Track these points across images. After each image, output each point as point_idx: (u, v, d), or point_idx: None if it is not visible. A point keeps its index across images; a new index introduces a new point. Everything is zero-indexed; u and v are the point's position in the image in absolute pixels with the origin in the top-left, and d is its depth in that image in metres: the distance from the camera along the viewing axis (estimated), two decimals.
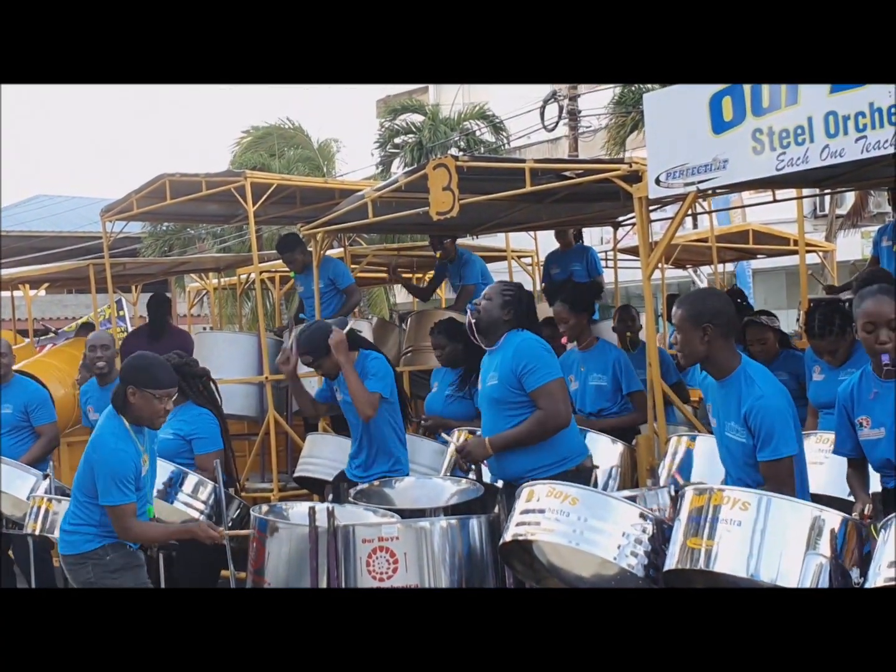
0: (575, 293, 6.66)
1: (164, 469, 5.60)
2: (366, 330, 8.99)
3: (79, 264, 10.82)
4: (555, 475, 4.70)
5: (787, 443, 3.93)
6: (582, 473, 4.89)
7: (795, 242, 9.34)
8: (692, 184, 5.47)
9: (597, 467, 5.34)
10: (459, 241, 9.64)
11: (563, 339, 6.97)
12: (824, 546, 3.40)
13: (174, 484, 5.61)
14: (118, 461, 4.74)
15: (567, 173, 7.01)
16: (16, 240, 32.65)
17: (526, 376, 4.87)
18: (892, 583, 3.17)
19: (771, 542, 3.43)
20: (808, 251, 9.08)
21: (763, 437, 3.92)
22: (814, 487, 4.24)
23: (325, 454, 6.94)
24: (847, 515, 3.51)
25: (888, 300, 3.88)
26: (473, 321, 5.09)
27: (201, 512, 5.58)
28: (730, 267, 14.53)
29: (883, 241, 8.41)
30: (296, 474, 7.05)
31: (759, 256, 12.49)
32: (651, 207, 6.70)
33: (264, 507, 5.38)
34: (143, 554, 5.13)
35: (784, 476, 3.91)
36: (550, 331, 6.68)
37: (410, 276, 12.58)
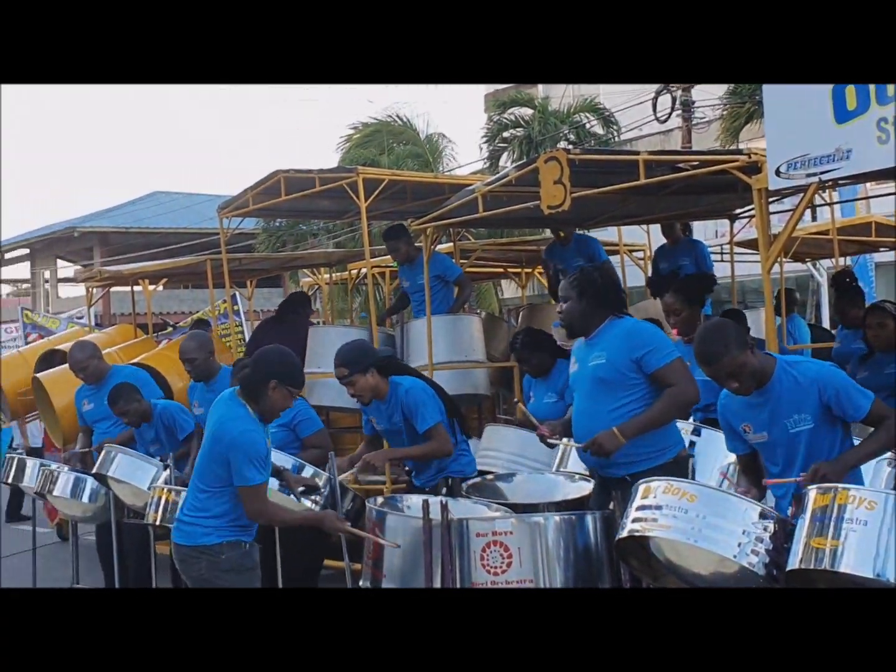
0: (687, 285, 6.54)
1: (282, 461, 5.68)
2: (475, 325, 9.02)
3: (197, 260, 11.04)
4: (654, 466, 4.65)
5: (863, 389, 4.26)
6: (680, 464, 4.80)
7: None
8: (814, 175, 5.33)
9: (692, 457, 5.27)
10: None
11: (674, 332, 6.87)
12: None
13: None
14: (252, 441, 4.73)
15: (682, 165, 6.91)
16: (134, 236, 33.49)
17: (647, 357, 4.76)
18: None
19: None
20: None
21: (847, 395, 4.17)
22: None
23: (504, 447, 6.93)
24: None
25: None
26: (566, 329, 5.05)
27: (316, 503, 5.65)
28: (850, 261, 14.14)
29: None
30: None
31: (881, 249, 12.13)
32: (769, 199, 6.56)
33: (380, 499, 5.41)
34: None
35: (888, 409, 4.21)
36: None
37: (519, 270, 12.55)
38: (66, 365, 7.96)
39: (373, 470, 5.93)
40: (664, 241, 9.59)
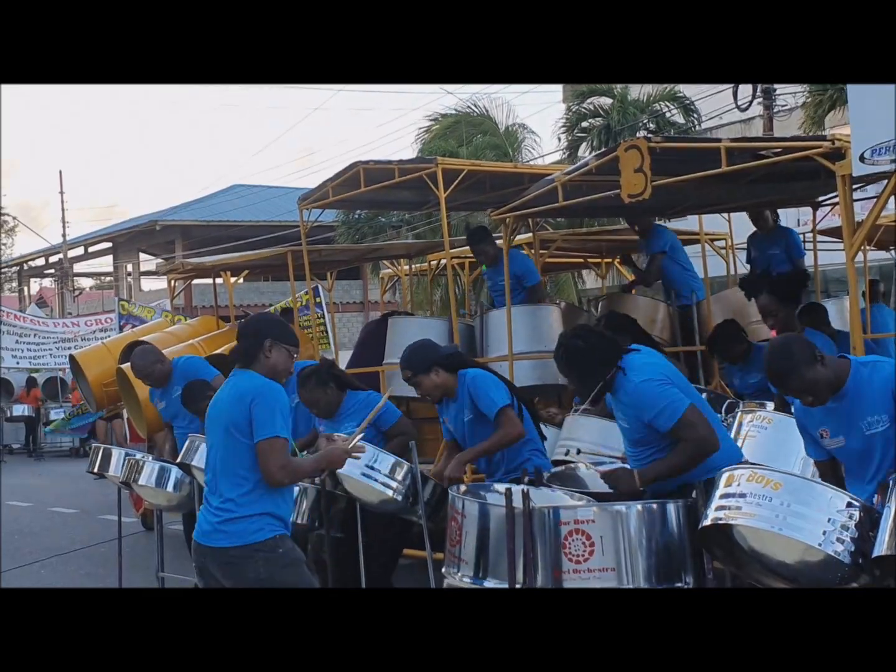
0: (781, 285, 6.48)
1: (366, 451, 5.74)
2: (555, 315, 9.01)
3: (278, 251, 11.16)
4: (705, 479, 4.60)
5: None
6: None
7: None
8: None
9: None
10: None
11: (772, 332, 6.81)
12: None
13: (373, 465, 5.75)
14: (276, 390, 4.49)
15: (764, 152, 6.84)
16: (214, 229, 33.95)
17: (655, 421, 4.75)
18: None
19: None
20: None
21: None
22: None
23: (585, 437, 6.96)
24: None
25: None
26: (582, 398, 5.12)
27: (397, 491, 5.71)
28: None
29: None
30: (554, 457, 7.05)
31: None
32: (853, 186, 6.48)
33: (462, 487, 5.45)
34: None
35: None
36: None
37: (600, 260, 12.51)
38: None
39: (456, 482, 5.94)
40: (746, 229, 9.50)
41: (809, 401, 4.22)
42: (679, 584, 4.40)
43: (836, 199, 6.82)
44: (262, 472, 4.36)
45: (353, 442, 4.86)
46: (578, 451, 5.35)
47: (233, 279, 12.71)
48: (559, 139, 21.94)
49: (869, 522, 3.69)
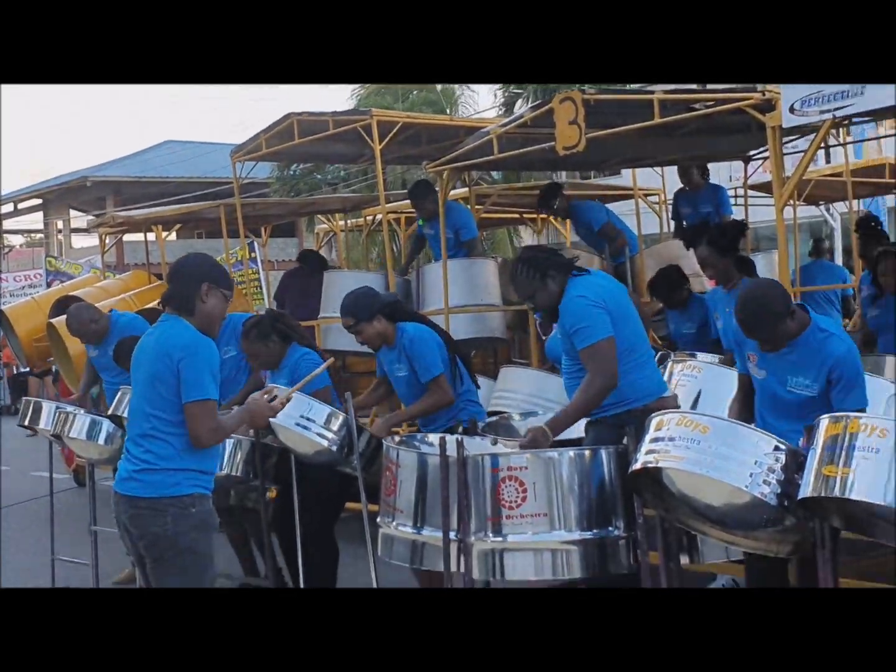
0: (720, 236, 6.54)
1: (299, 401, 5.74)
2: (491, 269, 9.04)
3: (211, 205, 11.05)
4: (639, 407, 4.75)
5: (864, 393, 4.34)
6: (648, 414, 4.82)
7: None
8: (828, 111, 5.33)
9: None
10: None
11: (712, 283, 6.91)
12: None
13: (308, 415, 5.74)
14: (209, 347, 4.22)
15: (697, 105, 6.88)
16: (146, 185, 33.48)
17: (573, 337, 4.86)
18: None
19: None
20: None
21: (848, 389, 4.25)
22: None
23: (520, 388, 7.00)
24: None
25: None
26: (549, 318, 5.13)
27: (331, 442, 5.71)
28: (864, 205, 14.10)
29: None
30: (490, 408, 7.08)
31: (895, 192, 12.10)
32: (784, 140, 6.54)
33: (396, 438, 5.47)
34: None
35: None
36: None
37: (535, 216, 12.53)
38: None
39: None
40: (680, 185, 9.58)
41: (766, 347, 4.31)
42: (610, 528, 4.46)
43: (768, 154, 6.89)
44: (191, 434, 4.14)
45: (282, 398, 4.78)
46: (496, 442, 5.39)
47: (165, 235, 12.56)
48: (495, 95, 21.90)
49: (794, 465, 3.75)
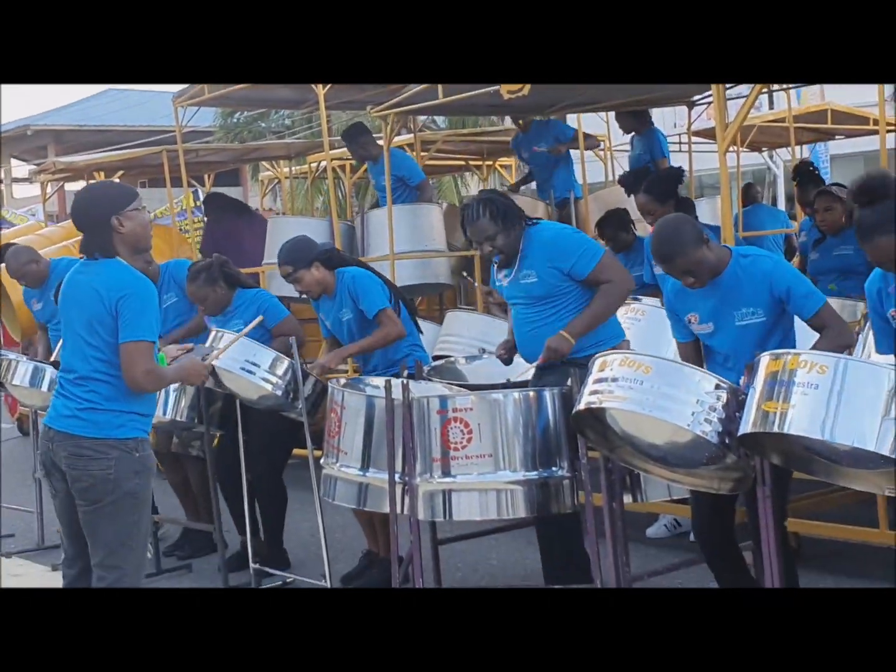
0: (657, 183, 6.58)
1: (245, 346, 5.72)
2: (436, 214, 9.02)
3: (153, 150, 10.91)
4: (590, 354, 4.69)
5: (816, 290, 4.38)
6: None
7: (876, 122, 9.09)
8: None
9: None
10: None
11: (650, 229, 6.95)
12: None
13: (252, 360, 5.72)
14: (146, 291, 4.06)
15: None
16: (88, 134, 32.90)
17: (576, 266, 4.89)
18: None
19: (848, 405, 3.40)
20: (888, 131, 8.84)
21: (799, 293, 4.26)
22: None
23: (465, 332, 7.01)
24: None
25: (884, 237, 3.72)
26: (505, 263, 5.04)
27: (276, 386, 5.70)
28: (806, 153, 14.20)
29: None
30: (435, 352, 7.10)
31: (837, 137, 12.18)
32: (728, 85, 6.55)
33: (342, 381, 5.47)
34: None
35: (836, 315, 4.32)
36: None
37: (480, 163, 12.50)
38: None
39: (328, 372, 5.99)
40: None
41: (690, 281, 4.32)
42: (554, 469, 4.50)
43: (711, 99, 6.91)
44: (125, 376, 4.00)
45: (216, 354, 4.79)
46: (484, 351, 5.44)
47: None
48: None
49: (735, 403, 3.79)
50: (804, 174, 8.05)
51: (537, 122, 9.32)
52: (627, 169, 9.19)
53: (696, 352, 4.56)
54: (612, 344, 4.93)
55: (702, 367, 4.31)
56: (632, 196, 7.13)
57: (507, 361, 5.25)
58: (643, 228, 7.95)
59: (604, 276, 4.91)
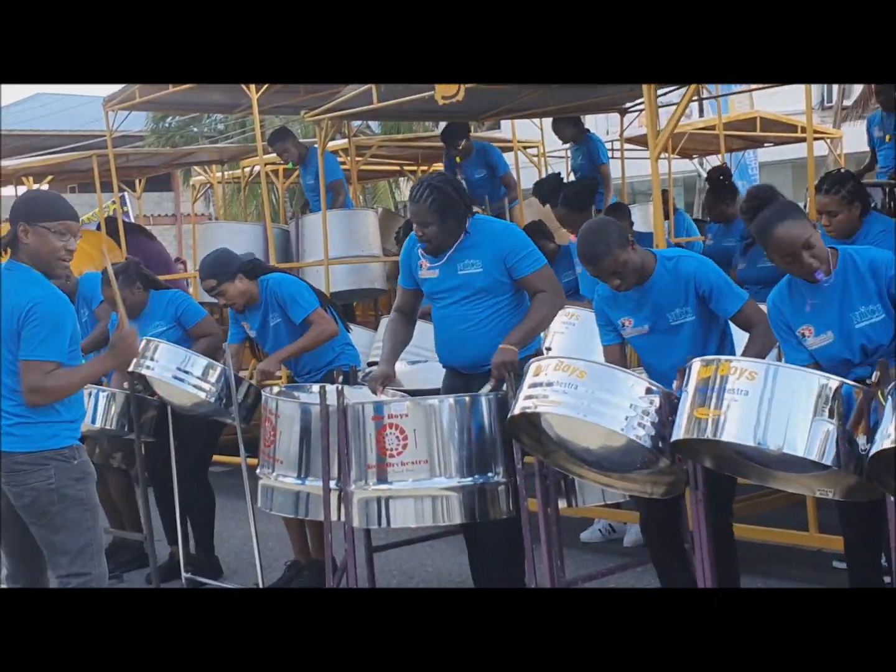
0: (572, 195, 6.59)
1: (175, 353, 5.66)
2: (371, 219, 9.00)
3: (83, 154, 10.75)
4: (521, 358, 4.72)
5: (738, 288, 4.44)
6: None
7: (803, 130, 9.24)
8: None
9: (549, 349, 5.52)
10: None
11: (572, 237, 6.99)
12: (832, 413, 3.43)
13: (185, 368, 5.67)
14: (51, 308, 3.92)
15: None
16: (17, 139, 32.37)
17: (519, 263, 4.83)
18: None
19: (778, 411, 3.45)
20: (815, 139, 8.99)
21: (720, 292, 4.32)
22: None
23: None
24: (855, 384, 3.53)
25: (791, 223, 3.87)
26: (432, 252, 4.92)
27: (210, 393, 5.64)
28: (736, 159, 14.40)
29: (875, 132, 8.50)
30: (371, 358, 6.96)
31: (766, 145, 12.38)
32: (659, 93, 6.62)
33: (276, 388, 5.44)
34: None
35: (760, 312, 4.33)
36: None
37: (415, 168, 12.50)
38: None
39: (270, 377, 5.95)
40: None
41: (616, 283, 4.35)
42: (490, 475, 4.50)
43: (643, 106, 6.97)
44: (22, 390, 3.92)
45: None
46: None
47: (36, 187, 12.19)
48: None
49: (668, 407, 3.82)
50: (714, 181, 8.09)
51: (475, 151, 9.38)
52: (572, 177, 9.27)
53: (622, 355, 4.62)
54: (535, 347, 4.94)
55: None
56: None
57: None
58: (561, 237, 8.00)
59: (541, 284, 4.86)
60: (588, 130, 9.35)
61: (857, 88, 16.98)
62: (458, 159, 9.31)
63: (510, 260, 4.84)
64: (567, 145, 9.65)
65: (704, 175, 16.35)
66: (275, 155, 11.12)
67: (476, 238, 4.89)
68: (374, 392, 4.94)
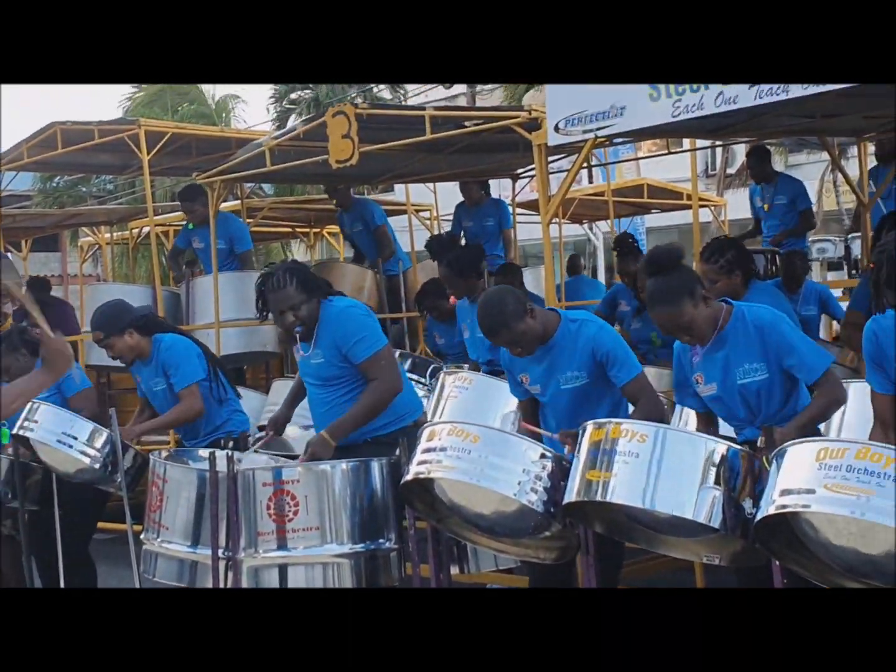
0: (459, 259, 6.67)
1: (61, 418, 5.52)
2: None
3: None
4: (393, 431, 4.78)
5: (635, 359, 4.43)
6: (419, 426, 4.68)
7: (689, 197, 9.49)
8: (590, 131, 5.52)
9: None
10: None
11: (452, 299, 7.11)
12: (718, 478, 3.47)
13: (69, 432, 5.52)
14: None
15: (467, 123, 7.03)
16: None
17: (352, 349, 4.76)
18: (783, 510, 3.25)
19: (667, 474, 3.48)
20: (700, 206, 9.24)
21: (615, 360, 4.32)
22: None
23: None
24: (741, 448, 3.58)
25: (669, 308, 3.95)
26: (305, 335, 4.86)
27: (94, 459, 5.50)
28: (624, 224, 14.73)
29: (756, 202, 8.86)
30: (261, 422, 6.86)
31: (653, 211, 12.68)
32: (550, 159, 6.75)
33: (164, 453, 5.33)
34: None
35: (649, 388, 4.37)
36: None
37: (307, 230, 12.49)
38: None
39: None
40: (452, 200, 9.74)
41: (517, 351, 4.38)
42: (381, 541, 4.47)
43: (534, 172, 7.09)
44: None
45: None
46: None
47: None
48: (268, 110, 21.79)
49: (560, 472, 3.83)
50: (624, 246, 8.31)
51: (355, 201, 9.41)
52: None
53: (533, 410, 4.60)
54: (413, 418, 4.92)
55: (538, 425, 4.41)
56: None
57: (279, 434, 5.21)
58: None
59: (373, 372, 4.76)
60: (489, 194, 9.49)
61: (740, 157, 17.51)
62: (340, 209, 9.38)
63: (344, 348, 4.78)
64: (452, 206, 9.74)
65: (595, 240, 16.78)
66: (165, 216, 11.06)
67: (321, 326, 4.84)
68: (266, 433, 4.98)
